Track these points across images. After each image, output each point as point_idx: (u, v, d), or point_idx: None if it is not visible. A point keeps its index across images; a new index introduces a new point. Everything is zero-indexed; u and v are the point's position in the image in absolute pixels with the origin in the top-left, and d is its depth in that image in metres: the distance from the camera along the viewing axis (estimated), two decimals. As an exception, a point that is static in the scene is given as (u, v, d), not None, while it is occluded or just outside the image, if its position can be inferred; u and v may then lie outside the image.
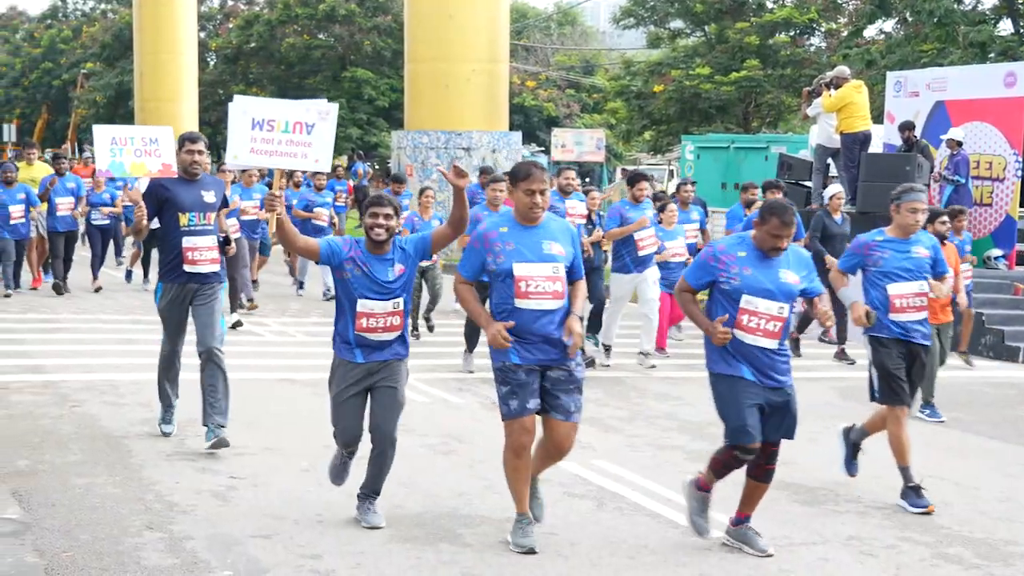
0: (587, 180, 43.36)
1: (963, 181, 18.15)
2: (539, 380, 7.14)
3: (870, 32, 31.22)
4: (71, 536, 7.08)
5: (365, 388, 7.46)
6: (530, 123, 45.66)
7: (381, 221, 7.23)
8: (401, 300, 7.38)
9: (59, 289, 18.68)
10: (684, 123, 35.05)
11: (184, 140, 9.39)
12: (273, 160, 7.65)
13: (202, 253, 9.24)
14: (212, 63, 52.64)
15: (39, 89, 62.46)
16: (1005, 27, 27.77)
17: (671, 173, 39.94)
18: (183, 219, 9.19)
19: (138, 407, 10.75)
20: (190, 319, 9.46)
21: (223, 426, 9.22)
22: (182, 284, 9.24)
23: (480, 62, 26.59)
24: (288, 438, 9.76)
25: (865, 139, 18.73)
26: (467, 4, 26.33)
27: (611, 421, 10.89)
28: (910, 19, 28.05)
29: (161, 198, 9.19)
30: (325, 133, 7.69)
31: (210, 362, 9.33)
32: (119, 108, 53.12)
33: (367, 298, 7.26)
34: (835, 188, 16.00)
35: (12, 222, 18.23)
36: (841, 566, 7.04)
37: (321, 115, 7.67)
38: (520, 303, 7.00)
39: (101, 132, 9.87)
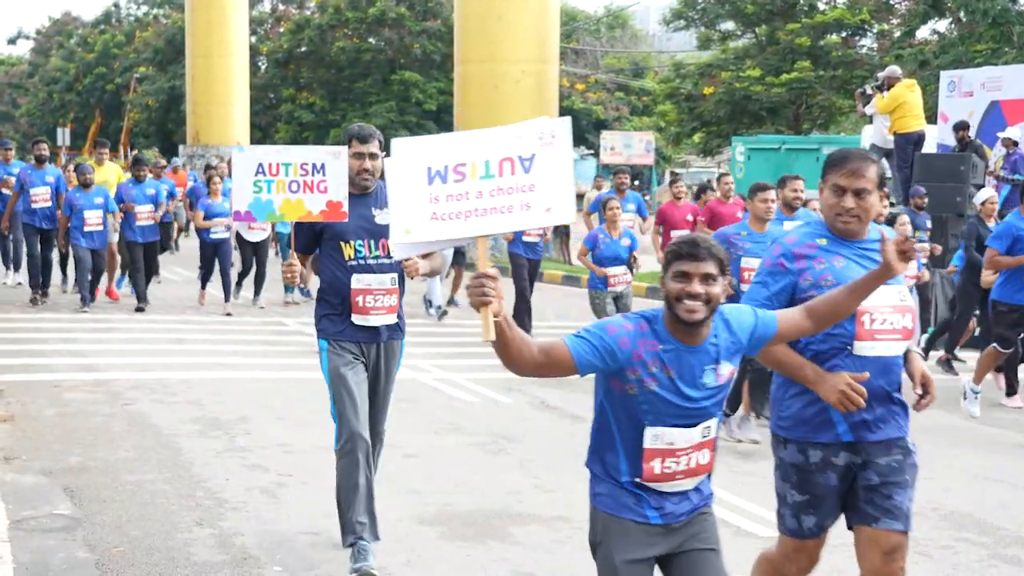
0: (636, 183, 43.29)
1: (1022, 179, 17.92)
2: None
3: (923, 32, 30.93)
4: (122, 532, 7.11)
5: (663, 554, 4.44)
6: (579, 126, 45.57)
7: (697, 288, 4.18)
8: (712, 424, 4.40)
9: (141, 309, 16.95)
10: (734, 125, 34.83)
11: (351, 138, 6.69)
12: (480, 224, 4.15)
13: (377, 298, 6.58)
14: (263, 67, 52.94)
15: (92, 93, 63.05)
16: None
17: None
18: (347, 250, 6.61)
19: (188, 405, 10.79)
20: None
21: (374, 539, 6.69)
22: (353, 344, 6.61)
23: (529, 63, 26.55)
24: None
25: (919, 139, 18.54)
26: (516, 5, 26.29)
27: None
28: (964, 19, 27.75)
29: (318, 226, 6.65)
30: (554, 163, 4.18)
31: (375, 445, 6.97)
32: (171, 112, 53.55)
33: (666, 425, 4.27)
34: (987, 192, 14.33)
35: (88, 229, 16.54)
36: (896, 567, 6.92)
37: (544, 140, 4.16)
38: (861, 347, 4.86)
39: (244, 161, 6.62)
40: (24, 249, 17.84)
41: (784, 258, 4.96)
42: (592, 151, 44.46)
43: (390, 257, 6.56)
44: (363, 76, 48.09)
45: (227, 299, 17.25)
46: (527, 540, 7.24)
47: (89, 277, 16.92)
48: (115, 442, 9.34)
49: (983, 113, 19.39)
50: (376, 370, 6.73)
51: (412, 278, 6.65)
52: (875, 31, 34.89)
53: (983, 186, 18.28)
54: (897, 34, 32.22)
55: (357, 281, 6.56)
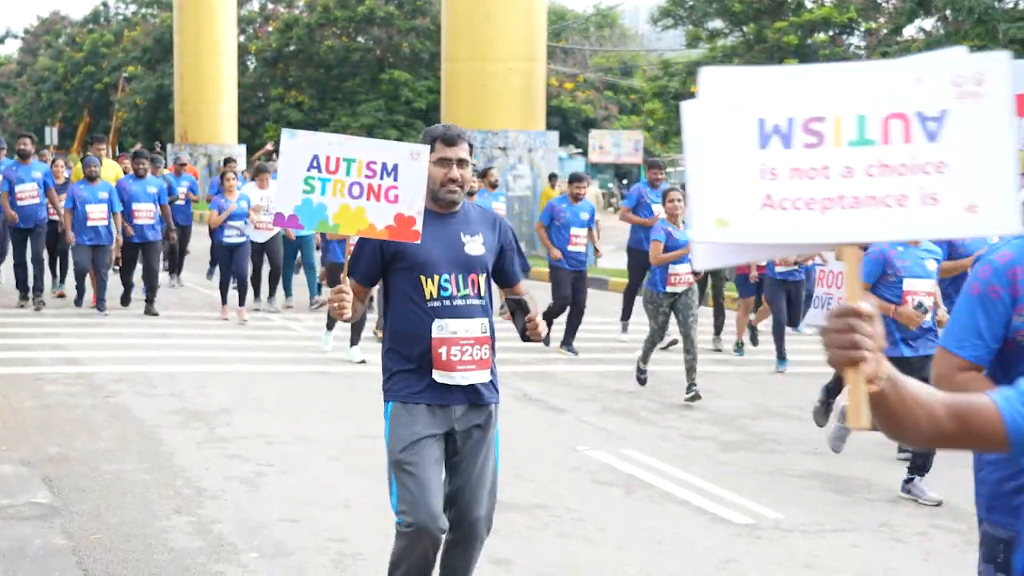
0: (625, 182, 43.38)
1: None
2: None
3: (909, 31, 31.00)
4: (100, 520, 7.12)
5: None
6: (568, 124, 45.63)
7: None
8: None
9: (152, 312, 16.07)
10: (722, 123, 34.89)
11: (434, 139, 5.15)
12: (849, 223, 2.42)
13: (465, 349, 5.08)
14: (251, 66, 52.91)
15: (80, 93, 62.94)
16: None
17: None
18: (429, 287, 5.07)
19: (170, 398, 10.80)
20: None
21: None
22: (431, 407, 5.10)
23: (517, 61, 26.56)
24: (319, 428, 9.77)
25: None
26: (504, 3, 26.30)
27: (643, 412, 10.84)
28: (950, 17, 27.82)
29: (388, 251, 5.13)
30: (982, 127, 2.40)
31: (467, 539, 5.44)
32: (159, 111, 53.50)
33: None
34: None
35: (91, 223, 15.63)
36: (871, 552, 6.98)
37: (962, 88, 2.39)
38: None
39: (294, 150, 5.00)
40: (8, 247, 17.00)
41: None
42: (581, 150, 44.49)
43: (481, 296, 5.12)
44: (352, 75, 48.08)
45: (242, 303, 16.03)
46: (505, 528, 7.24)
47: (87, 279, 16.24)
48: (95, 433, 9.34)
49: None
50: (465, 442, 5.19)
51: (535, 340, 5.11)
52: (862, 29, 34.96)
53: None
54: (884, 32, 32.28)
55: (440, 328, 5.01)
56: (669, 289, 11.33)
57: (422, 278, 5.04)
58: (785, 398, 11.64)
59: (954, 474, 8.30)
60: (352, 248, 5.21)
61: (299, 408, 10.54)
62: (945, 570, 6.73)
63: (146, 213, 16.13)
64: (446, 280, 5.05)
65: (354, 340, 12.99)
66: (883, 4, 34.08)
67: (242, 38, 49.49)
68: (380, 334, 13.82)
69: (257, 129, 50.29)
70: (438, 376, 5.04)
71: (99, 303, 15.96)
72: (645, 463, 8.91)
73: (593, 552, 6.86)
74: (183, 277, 19.94)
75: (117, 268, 16.94)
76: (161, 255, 17.61)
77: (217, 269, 17.42)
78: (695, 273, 11.41)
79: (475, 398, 5.13)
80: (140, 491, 7.74)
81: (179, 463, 8.51)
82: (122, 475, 8.11)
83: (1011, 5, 27.24)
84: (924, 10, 29.04)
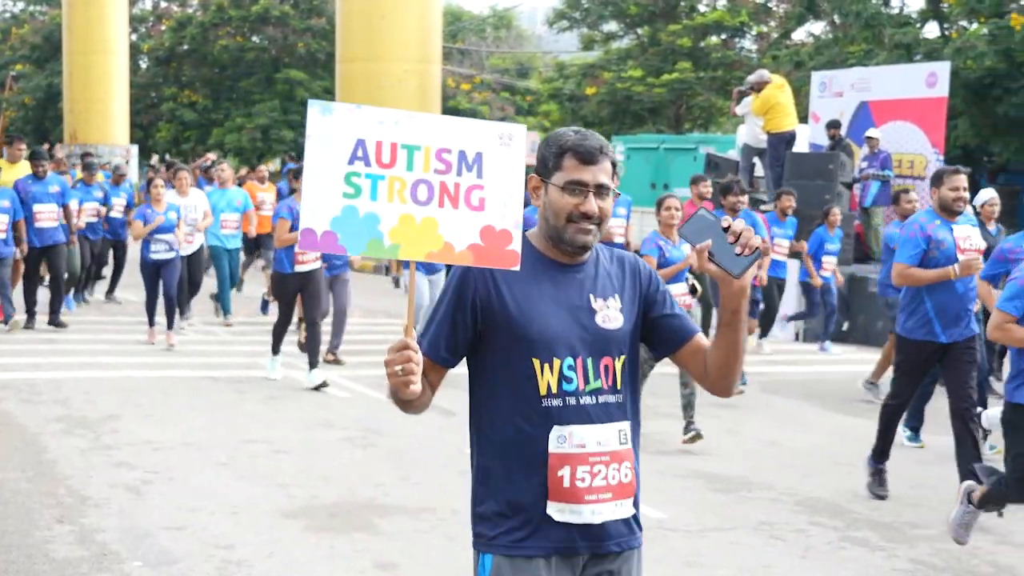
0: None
1: (892, 175, 18.40)
2: None
3: (799, 34, 31.57)
4: (-21, 529, 7.02)
5: None
6: (464, 126, 45.70)
7: None
8: None
9: (58, 324, 15.18)
10: (617, 125, 35.23)
11: (564, 152, 3.45)
12: None
13: (598, 470, 3.45)
14: (144, 66, 52.18)
15: (-33, 92, 61.60)
16: (931, 30, 28.14)
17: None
18: (546, 375, 3.42)
19: (55, 404, 10.65)
20: None
21: None
22: (548, 559, 3.45)
23: (412, 62, 26.57)
24: (206, 434, 9.71)
25: (791, 138, 18.94)
26: (399, 4, 26.31)
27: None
28: (838, 21, 28.36)
29: (483, 305, 3.46)
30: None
31: None
32: (48, 111, 52.52)
33: None
34: (989, 193, 12.77)
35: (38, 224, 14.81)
36: (750, 550, 7.13)
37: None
38: None
39: (328, 132, 3.30)
40: None
41: None
42: (477, 151, 44.60)
43: (618, 389, 3.45)
44: (246, 75, 47.64)
45: (170, 326, 14.29)
46: (391, 530, 7.29)
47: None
48: (-23, 441, 9.19)
49: (853, 113, 19.87)
50: None
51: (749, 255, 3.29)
52: (754, 33, 35.51)
53: (851, 184, 18.77)
54: (775, 36, 32.83)
55: (561, 439, 3.37)
56: None
57: (536, 363, 3.35)
58: (674, 399, 11.79)
59: (837, 473, 8.51)
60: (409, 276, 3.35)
61: (187, 414, 10.46)
62: (822, 566, 6.90)
63: (48, 215, 15.07)
64: (570, 367, 3.38)
65: (313, 363, 11.90)
66: (774, 8, 34.64)
67: (134, 37, 48.81)
68: (332, 357, 13.24)
69: (150, 129, 49.61)
70: (557, 512, 3.38)
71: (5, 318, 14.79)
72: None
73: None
74: (118, 295, 18.70)
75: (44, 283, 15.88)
76: (78, 262, 16.56)
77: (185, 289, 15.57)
78: (693, 292, 9.95)
79: (611, 542, 3.45)
80: (22, 500, 7.64)
81: (62, 471, 8.41)
82: (3, 484, 7.99)
83: (896, 10, 27.84)
84: (813, 14, 29.59)
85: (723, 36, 35.74)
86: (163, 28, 51.43)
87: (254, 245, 18.65)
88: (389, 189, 3.26)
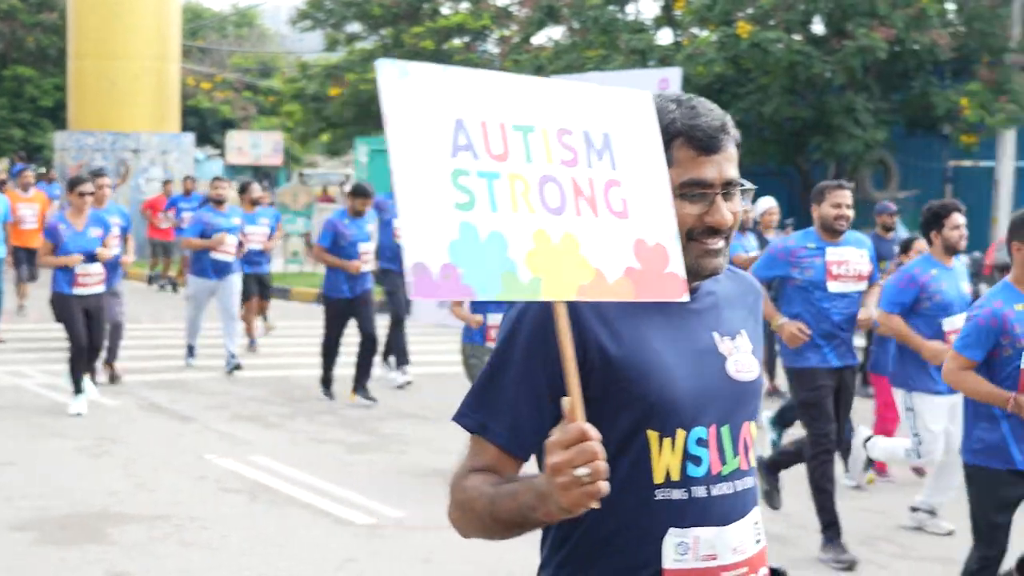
0: (265, 184, 42.93)
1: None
2: None
3: (539, 39, 32.17)
4: None
5: None
6: (205, 125, 44.79)
7: None
8: None
9: None
10: (360, 126, 35.18)
11: (674, 136, 2.44)
12: None
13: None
14: None
15: None
16: (665, 36, 29.14)
17: (347, 177, 40.07)
18: (665, 455, 2.38)
19: None
20: None
21: None
22: None
23: (149, 60, 25.95)
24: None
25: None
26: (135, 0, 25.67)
27: (272, 418, 10.86)
28: (576, 26, 29.07)
29: (596, 354, 2.34)
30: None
31: None
32: None
33: None
34: (768, 203, 12.47)
35: None
36: (486, 543, 7.25)
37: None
38: None
39: (413, 96, 2.10)
40: None
41: None
42: (219, 151, 43.82)
43: (752, 467, 2.53)
44: (-28, 70, 45.54)
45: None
46: (124, 540, 7.15)
47: None
48: None
49: (589, 117, 20.38)
50: None
51: None
52: (496, 36, 36.04)
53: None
54: (516, 40, 33.40)
55: (682, 546, 2.39)
56: (490, 345, 8.64)
57: (652, 437, 2.35)
58: (413, 400, 11.92)
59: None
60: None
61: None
62: (554, 558, 7.10)
63: None
64: (700, 441, 2.38)
65: (77, 388, 10.77)
66: (515, 13, 35.24)
67: None
68: (111, 369, 12.11)
69: None
70: None
71: None
72: (272, 468, 8.95)
73: (214, 559, 6.87)
74: None
75: None
76: None
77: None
78: None
79: None
80: None
81: None
82: None
83: (632, 17, 28.74)
84: (552, 19, 30.23)
85: (466, 39, 36.13)
86: None
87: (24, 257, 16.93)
88: (511, 192, 2.15)
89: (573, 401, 2.09)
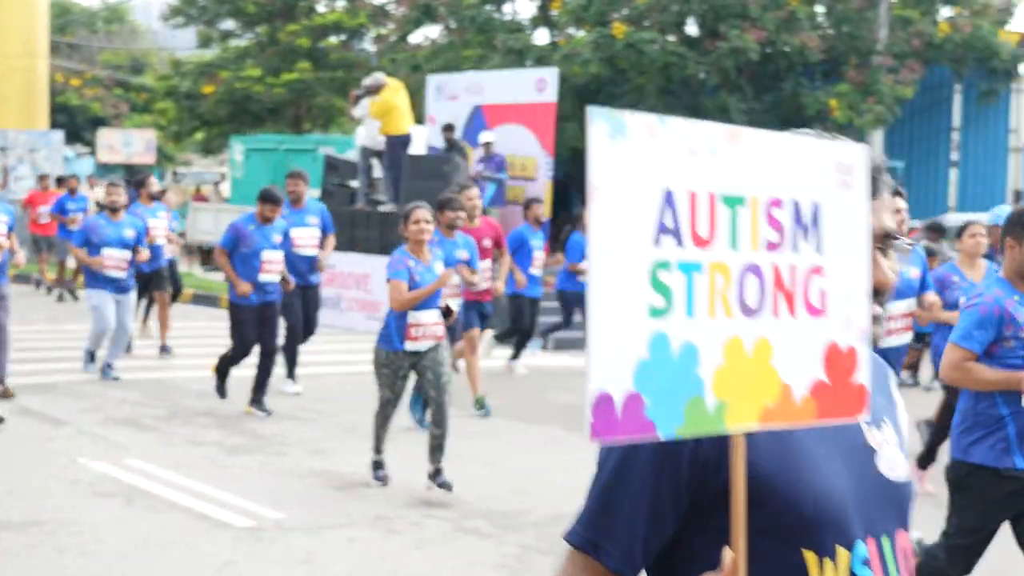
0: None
1: (506, 178, 19.04)
2: None
3: (416, 38, 32.12)
4: None
5: None
6: (75, 123, 43.89)
7: None
8: None
9: None
10: (236, 124, 34.80)
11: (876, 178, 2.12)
12: None
13: None
14: None
15: None
16: (542, 36, 29.30)
17: (223, 176, 39.60)
18: None
19: None
20: None
21: None
22: None
23: (16, 57, 25.40)
24: None
25: (408, 141, 19.27)
26: (0, -5, 25.10)
27: (148, 420, 10.70)
28: (453, 26, 29.09)
29: (704, 463, 1.96)
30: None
31: None
32: None
33: None
34: None
35: None
36: (367, 544, 7.27)
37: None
38: None
39: (625, 160, 1.67)
40: None
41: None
42: (90, 149, 42.97)
43: None
44: None
45: None
46: (-6, 547, 6.99)
47: None
48: None
49: (467, 116, 20.44)
50: None
51: None
52: (372, 35, 35.91)
53: (468, 186, 19.28)
54: (393, 39, 33.31)
55: None
56: (409, 346, 8.33)
57: (809, 558, 1.97)
58: (292, 401, 11.83)
59: (451, 465, 8.76)
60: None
61: None
62: (435, 556, 7.12)
63: None
64: (864, 561, 2.01)
65: None
66: (392, 12, 35.14)
67: None
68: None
69: None
70: None
71: None
72: (148, 471, 8.82)
73: (90, 565, 6.75)
74: None
75: None
76: None
77: None
78: (447, 315, 8.56)
79: None
80: None
81: None
82: None
83: (509, 17, 28.86)
84: (429, 18, 30.21)
85: (342, 37, 35.93)
86: None
87: None
88: (710, 290, 1.75)
89: (737, 559, 1.78)
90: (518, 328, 13.91)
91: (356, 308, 17.29)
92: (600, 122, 1.64)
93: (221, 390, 11.45)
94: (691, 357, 1.70)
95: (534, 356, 14.60)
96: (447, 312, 8.51)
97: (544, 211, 14.01)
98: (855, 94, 23.02)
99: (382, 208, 18.58)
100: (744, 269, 1.77)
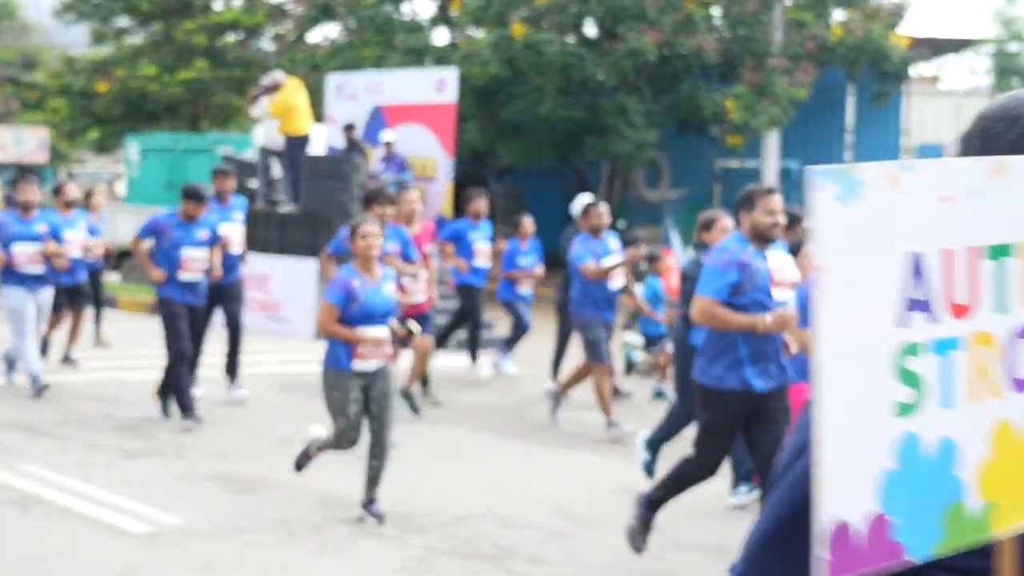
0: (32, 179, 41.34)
1: (409, 178, 19.01)
2: None
3: (315, 37, 31.93)
4: None
5: None
6: (-35, 121, 42.96)
7: None
8: None
9: None
10: (131, 123, 34.30)
11: None
12: None
13: None
14: None
15: None
16: (441, 36, 29.28)
17: (117, 175, 39.02)
18: None
19: None
20: None
21: None
22: None
23: (-98, 53, 24.74)
24: None
25: (306, 140, 19.16)
26: None
27: (44, 425, 10.52)
28: (352, 25, 28.95)
29: None
30: None
31: None
32: None
33: None
34: (588, 197, 12.23)
35: None
36: (267, 549, 7.23)
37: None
38: None
39: (854, 219, 1.38)
40: None
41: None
42: (-20, 147, 42.06)
43: None
44: None
45: None
46: None
47: None
48: None
49: (367, 116, 20.38)
50: None
51: None
52: (271, 34, 35.62)
53: (408, 188, 19.23)
54: (291, 38, 33.08)
55: None
56: (357, 365, 7.79)
57: None
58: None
59: (358, 467, 8.73)
60: None
61: None
62: (337, 560, 7.11)
63: None
64: None
65: None
66: (290, 10, 34.90)
67: None
68: None
69: None
70: None
71: None
72: (44, 478, 8.68)
73: (-16, 575, 6.63)
74: None
75: None
76: None
77: None
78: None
79: None
80: None
81: None
82: None
83: (408, 17, 28.80)
84: (328, 17, 30.04)
85: (240, 36, 35.58)
86: None
87: None
88: (971, 368, 1.49)
89: None
90: (466, 318, 13.90)
91: (256, 308, 17.13)
92: (826, 184, 1.34)
93: (166, 410, 10.93)
94: (948, 456, 1.44)
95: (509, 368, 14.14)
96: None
97: (482, 206, 13.59)
98: (751, 96, 23.32)
99: (281, 209, 18.47)
100: (1015, 335, 1.50)
